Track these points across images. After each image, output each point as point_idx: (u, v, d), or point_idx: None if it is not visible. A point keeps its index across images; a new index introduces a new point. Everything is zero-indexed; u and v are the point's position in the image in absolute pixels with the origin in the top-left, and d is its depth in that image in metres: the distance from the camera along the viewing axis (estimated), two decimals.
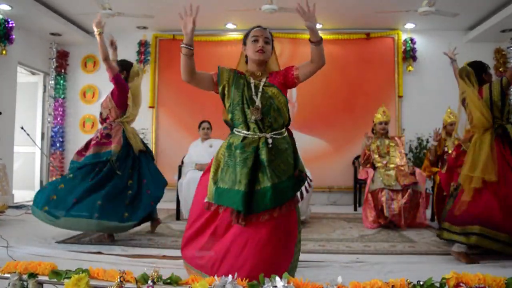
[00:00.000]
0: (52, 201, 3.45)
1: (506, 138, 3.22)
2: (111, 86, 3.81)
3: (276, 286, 1.68)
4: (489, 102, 3.26)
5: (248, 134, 2.25)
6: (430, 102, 6.74)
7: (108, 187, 3.53)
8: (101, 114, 3.95)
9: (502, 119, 3.27)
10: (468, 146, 3.35)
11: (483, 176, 3.07)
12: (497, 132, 3.23)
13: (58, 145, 7.18)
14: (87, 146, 3.77)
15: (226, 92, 2.31)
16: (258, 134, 2.24)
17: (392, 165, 4.80)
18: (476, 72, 3.41)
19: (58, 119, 7.20)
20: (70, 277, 1.85)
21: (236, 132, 2.29)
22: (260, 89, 2.28)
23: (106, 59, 3.62)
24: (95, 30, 3.57)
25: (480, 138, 3.24)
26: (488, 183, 3.08)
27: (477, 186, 3.10)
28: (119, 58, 3.99)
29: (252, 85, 2.30)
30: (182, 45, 2.20)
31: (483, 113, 3.23)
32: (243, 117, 2.25)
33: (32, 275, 1.94)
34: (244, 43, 2.39)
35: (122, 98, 3.78)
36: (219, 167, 2.28)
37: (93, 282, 1.87)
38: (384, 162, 4.83)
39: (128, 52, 7.15)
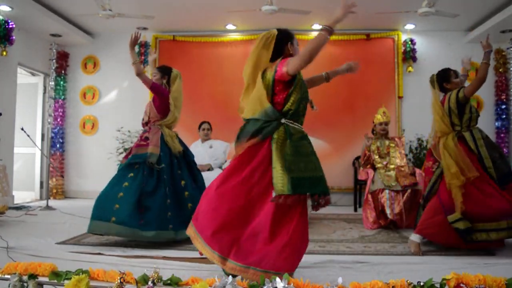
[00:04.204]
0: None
1: (464, 143, 3.42)
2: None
3: (276, 287, 1.68)
4: (448, 110, 3.49)
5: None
6: (430, 103, 6.72)
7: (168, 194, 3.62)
8: (143, 119, 4.04)
9: (461, 126, 3.47)
10: (437, 153, 3.57)
11: (470, 175, 3.20)
12: (458, 136, 3.44)
13: (58, 146, 7.18)
14: (130, 150, 3.93)
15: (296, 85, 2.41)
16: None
17: (392, 166, 4.80)
18: (438, 80, 3.64)
19: (58, 120, 7.20)
20: (70, 278, 1.85)
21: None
22: None
23: (138, 74, 3.75)
24: (131, 47, 3.78)
25: (444, 143, 3.42)
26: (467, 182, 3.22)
27: (461, 185, 3.20)
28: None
29: None
30: None
31: (443, 120, 3.46)
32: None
33: (32, 276, 1.94)
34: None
35: (163, 104, 3.88)
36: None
37: (93, 283, 1.87)
38: (384, 162, 4.83)
39: (128, 53, 7.15)
